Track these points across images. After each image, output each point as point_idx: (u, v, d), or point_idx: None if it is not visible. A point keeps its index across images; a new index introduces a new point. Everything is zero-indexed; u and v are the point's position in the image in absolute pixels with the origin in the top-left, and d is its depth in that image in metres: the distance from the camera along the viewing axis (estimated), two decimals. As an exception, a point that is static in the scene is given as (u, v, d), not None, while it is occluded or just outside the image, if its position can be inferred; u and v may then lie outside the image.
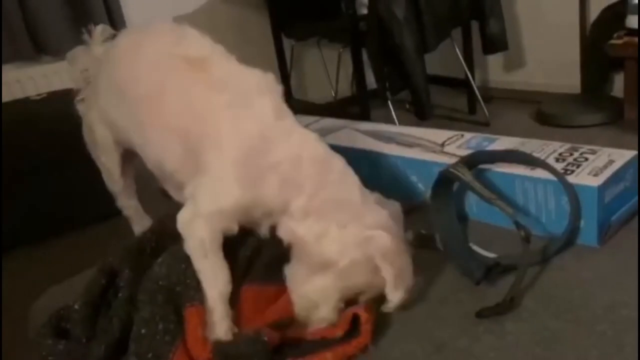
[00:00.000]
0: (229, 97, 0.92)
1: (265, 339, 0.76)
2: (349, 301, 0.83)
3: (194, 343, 0.78)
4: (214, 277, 0.85)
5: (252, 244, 0.94)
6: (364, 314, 0.78)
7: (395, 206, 0.91)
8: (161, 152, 1.01)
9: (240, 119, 0.90)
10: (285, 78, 3.41)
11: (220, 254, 0.87)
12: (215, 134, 0.90)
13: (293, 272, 0.87)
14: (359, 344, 0.76)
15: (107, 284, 0.92)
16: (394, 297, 0.81)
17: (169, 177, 1.03)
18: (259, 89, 0.93)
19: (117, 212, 1.32)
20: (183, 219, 0.89)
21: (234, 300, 0.85)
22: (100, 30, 1.25)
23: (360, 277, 0.83)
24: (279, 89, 0.96)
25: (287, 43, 3.39)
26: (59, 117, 2.24)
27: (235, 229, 0.89)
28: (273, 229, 0.90)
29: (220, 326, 0.82)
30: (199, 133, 0.92)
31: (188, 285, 0.86)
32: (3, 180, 2.29)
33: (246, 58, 0.98)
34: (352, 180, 0.90)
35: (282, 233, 0.88)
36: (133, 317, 0.84)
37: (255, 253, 0.93)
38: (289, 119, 0.93)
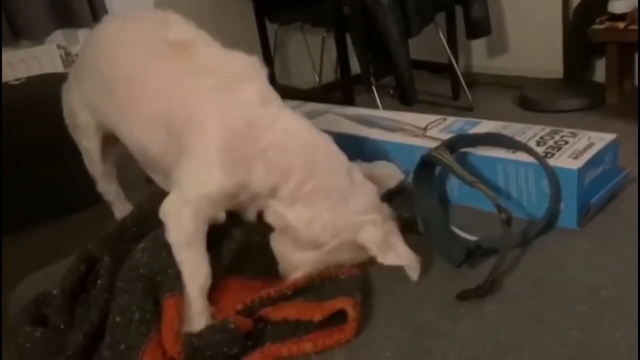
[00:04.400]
0: (214, 82, 0.91)
1: (232, 326, 0.75)
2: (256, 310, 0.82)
3: (168, 335, 0.77)
4: (195, 270, 0.84)
5: (238, 237, 0.91)
6: (352, 312, 0.76)
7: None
8: (145, 137, 1.00)
9: (225, 104, 0.89)
10: (268, 63, 3.38)
11: (203, 246, 0.86)
12: (200, 119, 0.89)
13: (280, 245, 0.89)
14: (340, 339, 0.75)
15: (86, 271, 0.91)
16: (409, 271, 0.83)
17: (153, 162, 1.02)
18: (244, 73, 0.93)
19: (99, 200, 1.31)
20: (167, 208, 0.88)
21: (216, 292, 0.84)
22: None
23: (348, 254, 0.87)
24: (264, 72, 0.95)
25: (270, 28, 3.36)
26: (38, 102, 2.23)
27: (222, 216, 0.88)
28: (260, 214, 0.90)
29: (198, 320, 0.80)
30: (183, 118, 0.91)
31: (169, 274, 0.84)
32: (-20, 168, 2.26)
33: (229, 43, 0.97)
34: (339, 163, 0.91)
35: (272, 218, 0.89)
36: (111, 306, 0.82)
37: (242, 246, 0.91)
38: (274, 103, 0.93)
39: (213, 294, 0.84)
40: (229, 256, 0.90)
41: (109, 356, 0.77)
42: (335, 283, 0.83)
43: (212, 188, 0.87)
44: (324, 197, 0.86)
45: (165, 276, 0.84)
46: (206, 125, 0.88)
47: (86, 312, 0.84)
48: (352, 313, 0.76)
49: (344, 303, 0.77)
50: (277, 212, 0.88)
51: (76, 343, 0.79)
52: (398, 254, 0.84)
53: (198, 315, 0.81)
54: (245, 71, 0.93)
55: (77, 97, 1.15)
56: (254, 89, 0.91)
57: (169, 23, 1.01)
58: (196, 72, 0.92)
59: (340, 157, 0.92)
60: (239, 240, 0.91)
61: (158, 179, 1.08)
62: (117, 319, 0.79)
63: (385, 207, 0.91)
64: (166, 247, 0.86)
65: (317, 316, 0.77)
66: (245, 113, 0.89)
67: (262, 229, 0.91)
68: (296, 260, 0.87)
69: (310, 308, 0.78)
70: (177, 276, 0.83)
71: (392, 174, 1.04)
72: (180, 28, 1.00)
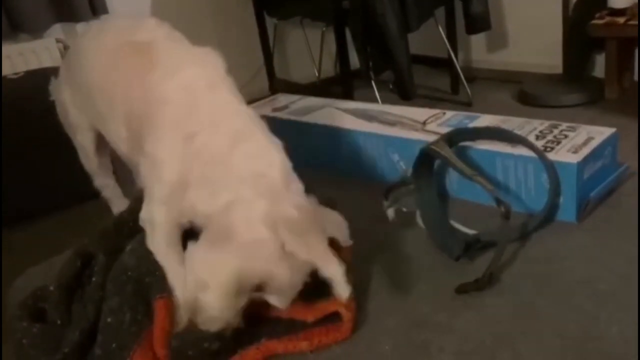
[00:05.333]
0: (160, 73, 0.90)
1: None
2: (250, 306, 0.76)
3: (159, 337, 0.76)
4: (177, 275, 0.82)
5: None
6: (346, 313, 0.75)
7: (334, 215, 0.83)
8: (114, 138, 1.03)
9: (169, 92, 0.87)
10: (268, 58, 3.37)
11: (179, 251, 0.83)
12: (149, 112, 0.88)
13: (191, 250, 0.78)
14: (336, 338, 0.75)
15: (82, 267, 0.91)
16: (331, 273, 0.73)
17: (127, 161, 1.04)
18: (191, 61, 0.91)
19: (98, 193, 1.31)
20: (142, 216, 0.87)
21: None
22: None
23: (262, 262, 0.73)
24: (218, 60, 0.92)
25: (269, 22, 3.35)
26: (36, 96, 2.22)
27: (185, 220, 0.85)
28: None
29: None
30: (137, 113, 0.91)
31: (157, 276, 0.83)
32: (-22, 161, 2.25)
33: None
34: (274, 155, 0.82)
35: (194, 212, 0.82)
36: (103, 307, 0.82)
37: None
38: (222, 90, 0.88)
39: None
40: None
41: (100, 355, 0.77)
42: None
43: (166, 187, 0.84)
44: (245, 185, 0.78)
45: (153, 278, 0.83)
46: (154, 119, 0.87)
47: (82, 309, 0.84)
48: (345, 313, 0.75)
49: (336, 305, 0.75)
50: (192, 204, 0.81)
51: (72, 340, 0.79)
52: (316, 256, 0.74)
53: (185, 319, 0.78)
54: (195, 60, 0.92)
55: (67, 97, 1.18)
56: (200, 73, 0.88)
57: (140, 27, 1.01)
58: (149, 68, 0.92)
59: (278, 151, 0.82)
60: None
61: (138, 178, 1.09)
62: (109, 320, 0.79)
63: (319, 210, 0.80)
64: None
65: (310, 318, 0.76)
66: (186, 98, 0.85)
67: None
68: (203, 265, 0.75)
69: (303, 308, 0.77)
70: (165, 278, 0.82)
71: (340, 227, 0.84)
72: (148, 30, 1.00)
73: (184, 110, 0.85)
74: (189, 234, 0.84)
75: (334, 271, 0.74)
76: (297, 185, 0.81)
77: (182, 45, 0.97)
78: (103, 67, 1.01)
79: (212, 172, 0.80)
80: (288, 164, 0.82)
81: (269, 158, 0.81)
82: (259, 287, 0.74)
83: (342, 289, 0.74)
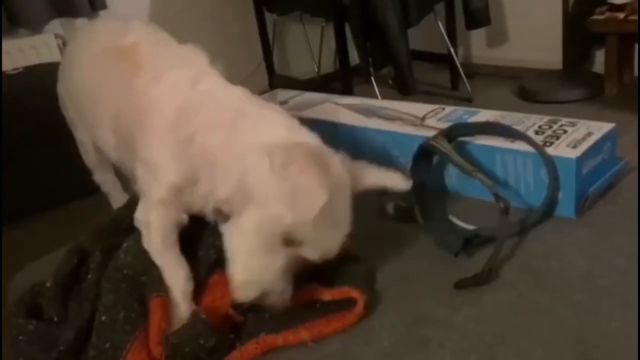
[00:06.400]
0: (147, 77, 0.89)
1: (204, 316, 0.75)
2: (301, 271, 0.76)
3: (155, 336, 0.76)
4: (173, 275, 0.82)
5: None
6: (360, 304, 0.75)
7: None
8: (100, 142, 1.03)
9: (156, 97, 0.87)
10: (267, 53, 3.37)
11: (176, 250, 0.84)
12: (138, 119, 0.88)
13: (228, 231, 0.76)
14: (337, 329, 0.75)
15: (79, 263, 0.90)
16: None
17: (119, 165, 1.05)
18: (178, 62, 0.91)
19: (99, 188, 1.31)
20: (138, 216, 0.87)
21: (203, 291, 0.83)
22: None
23: (280, 208, 0.71)
24: (202, 58, 0.92)
25: (269, 18, 3.35)
26: (35, 92, 2.22)
27: (184, 218, 0.85)
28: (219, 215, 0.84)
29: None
30: (124, 119, 0.91)
31: (153, 275, 0.83)
32: (-22, 157, 2.25)
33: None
34: (276, 119, 0.81)
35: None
36: (97, 305, 0.82)
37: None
38: (207, 80, 0.88)
39: (200, 293, 0.83)
40: (215, 253, 0.86)
41: (95, 356, 0.76)
42: (348, 266, 0.80)
43: (162, 188, 0.84)
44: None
45: (149, 276, 0.83)
46: (145, 123, 0.86)
47: (78, 306, 0.84)
48: (359, 305, 0.75)
49: (355, 293, 0.76)
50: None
51: (68, 339, 0.79)
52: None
53: (184, 319, 0.79)
54: (179, 61, 0.91)
55: (65, 93, 1.18)
56: (184, 73, 0.87)
57: (127, 30, 1.01)
58: (134, 72, 0.91)
59: (282, 117, 0.82)
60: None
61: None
62: (103, 318, 0.79)
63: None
64: None
65: (327, 297, 0.77)
66: (175, 101, 0.85)
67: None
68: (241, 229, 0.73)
69: (321, 288, 0.78)
70: (161, 277, 0.82)
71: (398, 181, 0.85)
72: (135, 34, 0.99)
73: (176, 112, 0.84)
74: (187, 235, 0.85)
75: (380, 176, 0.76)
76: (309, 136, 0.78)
77: (165, 46, 0.97)
78: (88, 73, 1.02)
79: (220, 160, 0.78)
80: (294, 123, 0.80)
81: (271, 124, 0.80)
82: (290, 242, 0.72)
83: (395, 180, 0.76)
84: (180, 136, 0.82)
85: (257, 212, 0.72)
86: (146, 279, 0.83)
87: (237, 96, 0.86)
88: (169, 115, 0.84)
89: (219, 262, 0.85)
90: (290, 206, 0.70)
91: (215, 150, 0.80)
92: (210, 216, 0.86)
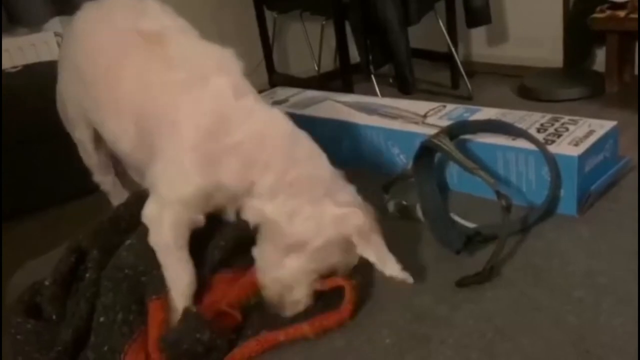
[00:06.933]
0: (185, 76, 0.87)
1: (194, 310, 0.75)
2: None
3: (154, 339, 0.75)
4: (177, 277, 0.81)
5: (229, 233, 0.88)
6: (349, 292, 0.76)
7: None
8: (115, 132, 0.98)
9: (196, 99, 0.85)
10: (267, 51, 3.37)
11: (185, 252, 0.83)
12: (170, 117, 0.85)
13: (263, 255, 0.82)
14: (338, 320, 0.75)
15: (77, 262, 0.90)
16: (391, 270, 0.79)
17: (124, 158, 1.01)
18: (217, 67, 0.89)
19: (97, 188, 1.31)
20: (148, 212, 0.85)
21: (203, 292, 0.82)
22: None
23: (335, 257, 0.80)
24: (239, 65, 0.91)
25: (269, 16, 3.34)
26: (35, 90, 2.22)
27: (201, 220, 0.84)
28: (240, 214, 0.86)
29: None
30: (153, 113, 0.88)
31: (155, 276, 0.82)
32: (-23, 155, 2.25)
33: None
34: (320, 156, 0.86)
35: (249, 215, 0.84)
36: (96, 304, 0.81)
37: (231, 242, 0.88)
38: (249, 97, 0.87)
39: (201, 293, 0.82)
40: (219, 252, 0.86)
41: (92, 358, 0.76)
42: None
43: (188, 190, 0.83)
44: (306, 189, 0.81)
45: (150, 277, 0.83)
46: (177, 123, 0.84)
47: (76, 306, 0.83)
48: (349, 293, 0.76)
49: (343, 282, 0.77)
50: (255, 208, 0.82)
51: (66, 339, 0.78)
52: (377, 252, 0.80)
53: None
54: (218, 65, 0.89)
55: (64, 89, 1.14)
56: (227, 83, 0.86)
57: (144, 11, 0.97)
58: (167, 66, 0.89)
59: (321, 151, 0.87)
60: (230, 235, 0.88)
61: (135, 175, 1.07)
62: (101, 319, 0.78)
63: (372, 209, 0.85)
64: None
65: (317, 286, 0.78)
66: (218, 108, 0.84)
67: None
68: (283, 273, 0.79)
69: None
70: (162, 278, 0.82)
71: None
72: (154, 16, 0.97)
73: (217, 120, 0.83)
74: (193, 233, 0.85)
75: (393, 268, 0.79)
76: (339, 175, 0.86)
77: (193, 41, 0.94)
78: (106, 57, 0.96)
79: (266, 177, 0.82)
80: (327, 158, 0.87)
81: (317, 158, 0.86)
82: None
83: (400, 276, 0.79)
84: (220, 144, 0.82)
85: (314, 261, 0.80)
86: (147, 279, 0.83)
87: (285, 120, 0.88)
88: (209, 121, 0.83)
89: (222, 262, 0.85)
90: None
91: (263, 166, 0.82)
92: (230, 217, 0.86)
